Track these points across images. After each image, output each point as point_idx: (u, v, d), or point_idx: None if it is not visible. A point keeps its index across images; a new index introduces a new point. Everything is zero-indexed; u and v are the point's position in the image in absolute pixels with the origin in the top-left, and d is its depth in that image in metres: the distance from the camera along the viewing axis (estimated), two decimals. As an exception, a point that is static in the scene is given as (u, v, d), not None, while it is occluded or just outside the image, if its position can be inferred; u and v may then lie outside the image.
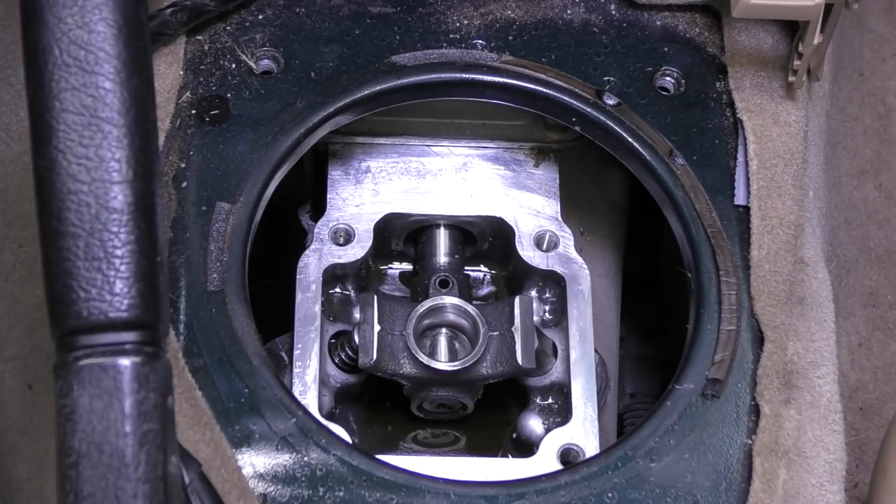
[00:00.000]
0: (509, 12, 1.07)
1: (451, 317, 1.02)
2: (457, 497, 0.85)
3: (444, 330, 1.02)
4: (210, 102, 1.01)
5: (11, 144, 1.03)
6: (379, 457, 0.89)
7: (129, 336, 0.62)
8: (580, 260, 1.06)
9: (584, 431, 0.97)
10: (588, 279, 1.05)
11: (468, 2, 1.07)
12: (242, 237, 0.94)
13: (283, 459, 0.86)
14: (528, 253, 1.06)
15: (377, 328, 0.98)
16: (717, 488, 0.87)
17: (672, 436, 0.89)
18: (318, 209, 1.09)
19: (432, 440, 1.05)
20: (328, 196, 1.08)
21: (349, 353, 1.01)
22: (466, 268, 1.11)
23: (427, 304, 1.01)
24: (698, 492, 0.87)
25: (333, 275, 1.04)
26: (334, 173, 1.09)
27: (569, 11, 1.08)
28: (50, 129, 0.62)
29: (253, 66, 1.03)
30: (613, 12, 1.09)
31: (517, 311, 1.00)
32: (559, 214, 1.08)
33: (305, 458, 0.86)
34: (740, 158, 1.01)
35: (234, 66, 1.03)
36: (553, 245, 1.07)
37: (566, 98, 1.03)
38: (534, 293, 1.07)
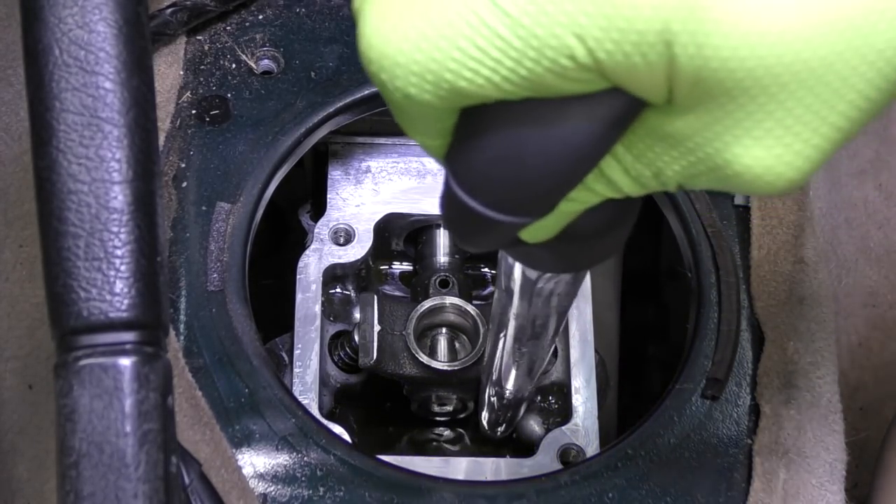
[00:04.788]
0: (509, 12, 1.07)
1: (452, 317, 1.02)
2: (457, 497, 0.85)
3: (444, 330, 1.02)
4: (210, 102, 1.01)
5: (11, 144, 1.03)
6: (379, 457, 0.89)
7: (129, 336, 0.62)
8: (580, 260, 1.06)
9: (584, 431, 0.97)
10: (588, 279, 1.05)
11: (468, 2, 1.07)
12: (242, 237, 0.94)
13: (283, 459, 0.86)
14: (528, 253, 1.06)
15: (377, 328, 0.98)
16: (717, 488, 0.87)
17: (672, 436, 0.89)
18: (318, 209, 1.09)
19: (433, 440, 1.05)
20: (328, 196, 1.08)
21: (349, 353, 1.01)
22: (466, 267, 1.11)
23: (427, 303, 1.01)
24: (698, 492, 0.87)
25: (333, 275, 1.04)
26: (334, 173, 1.09)
27: (569, 11, 1.08)
28: (50, 129, 0.62)
29: (253, 66, 1.03)
30: (613, 12, 1.08)
31: (517, 311, 1.00)
32: (559, 214, 1.08)
33: (305, 458, 0.86)
34: (740, 158, 1.01)
35: (234, 66, 1.03)
36: (553, 245, 1.07)
37: (566, 98, 1.03)
38: (534, 293, 1.07)
